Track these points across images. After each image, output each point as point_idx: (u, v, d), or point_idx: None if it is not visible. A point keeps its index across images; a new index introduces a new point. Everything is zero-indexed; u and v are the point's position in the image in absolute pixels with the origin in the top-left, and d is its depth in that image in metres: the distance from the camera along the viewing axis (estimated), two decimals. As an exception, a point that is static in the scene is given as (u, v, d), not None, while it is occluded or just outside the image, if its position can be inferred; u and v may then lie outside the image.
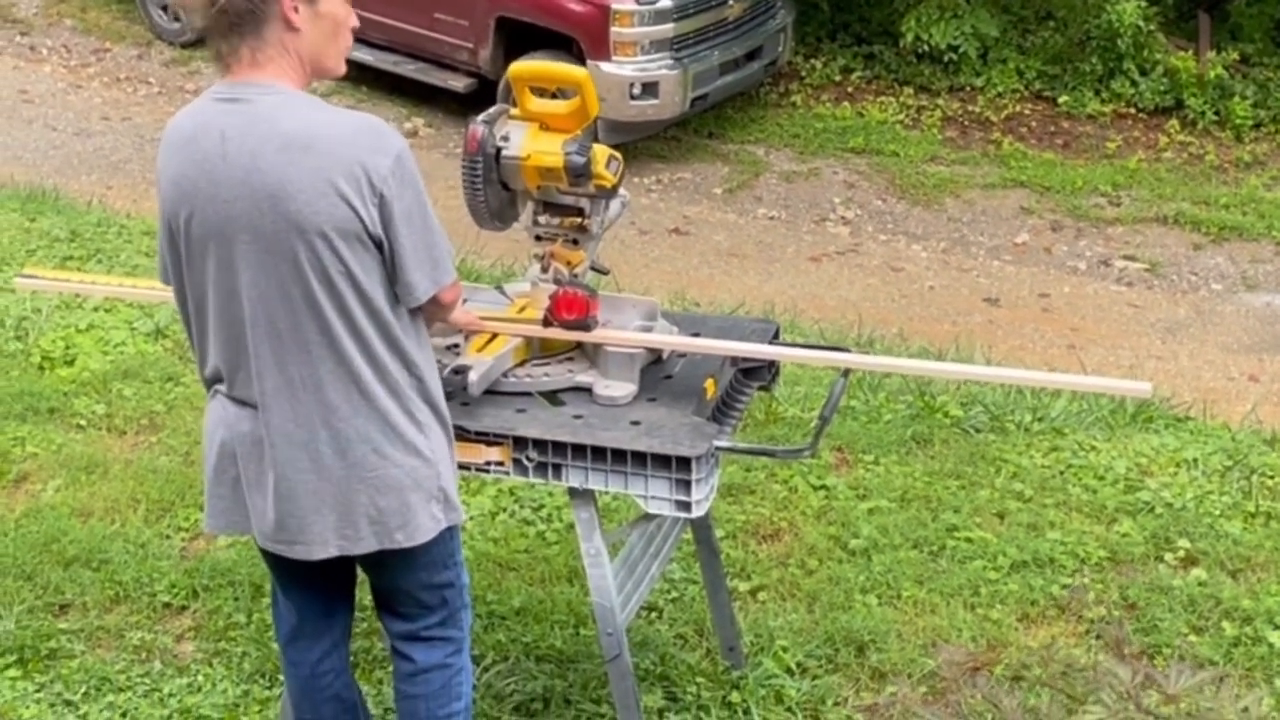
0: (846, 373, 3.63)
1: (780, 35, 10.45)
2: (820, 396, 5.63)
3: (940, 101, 10.83)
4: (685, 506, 3.30)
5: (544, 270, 3.59)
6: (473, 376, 3.41)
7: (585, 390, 3.49)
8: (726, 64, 9.93)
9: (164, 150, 3.00)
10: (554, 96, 3.60)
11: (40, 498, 5.01)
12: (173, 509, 4.94)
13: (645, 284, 7.76)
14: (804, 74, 11.17)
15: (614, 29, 9.40)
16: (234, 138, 2.88)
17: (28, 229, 7.44)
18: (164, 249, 3.07)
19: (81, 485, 5.07)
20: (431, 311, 3.11)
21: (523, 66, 3.56)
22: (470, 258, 7.21)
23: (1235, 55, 10.58)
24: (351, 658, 3.67)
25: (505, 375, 3.48)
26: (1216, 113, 10.45)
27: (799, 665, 4.18)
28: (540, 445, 3.34)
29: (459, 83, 10.20)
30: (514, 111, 3.52)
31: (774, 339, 3.77)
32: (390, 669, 3.92)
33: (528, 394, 3.47)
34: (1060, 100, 10.73)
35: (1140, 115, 10.64)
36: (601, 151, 3.46)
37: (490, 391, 3.43)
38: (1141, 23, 10.33)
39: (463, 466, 3.34)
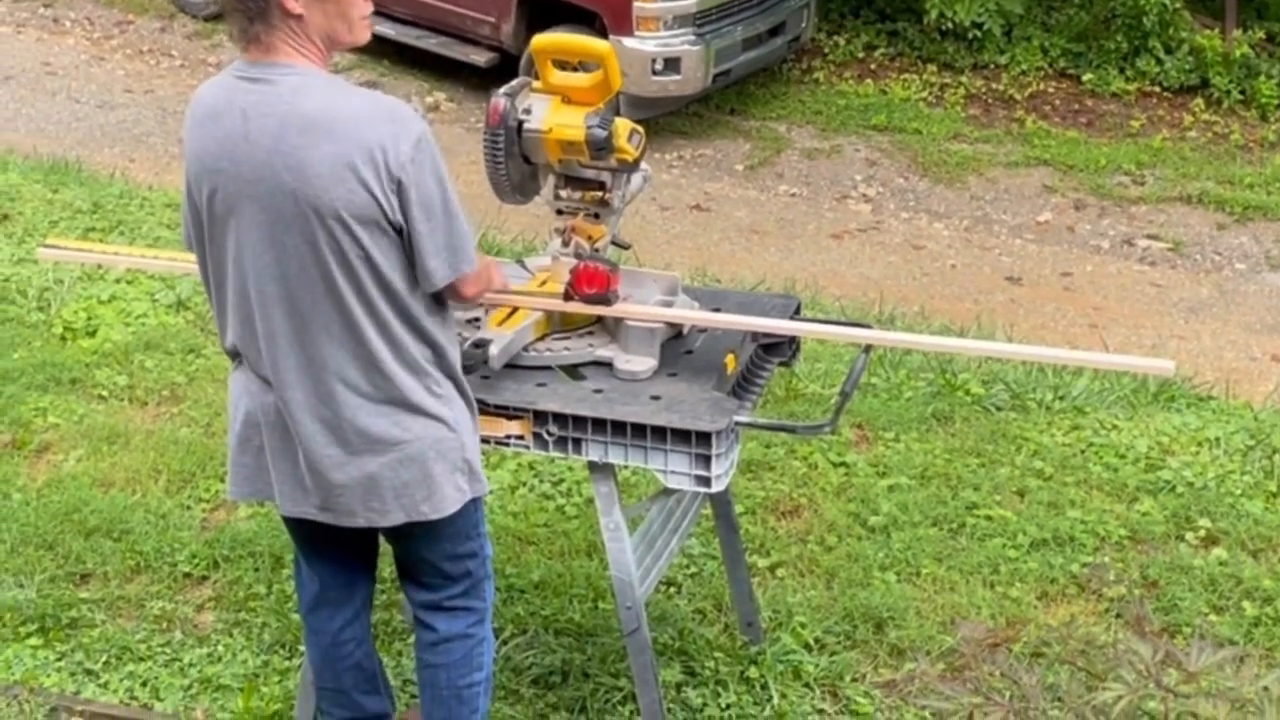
0: (868, 349, 3.62)
1: (803, 11, 10.40)
2: (840, 373, 5.62)
3: (964, 79, 10.77)
4: (705, 482, 3.30)
5: (565, 244, 3.58)
6: (493, 350, 3.41)
7: (606, 365, 3.49)
8: (749, 40, 9.89)
9: (190, 121, 3.01)
10: (576, 70, 3.59)
11: (62, 468, 5.03)
12: (194, 480, 4.95)
13: (666, 260, 7.75)
14: (827, 50, 11.13)
15: (636, 4, 9.37)
16: (255, 118, 2.88)
17: (51, 200, 7.46)
18: (188, 219, 3.09)
19: (103, 456, 5.09)
20: (452, 298, 3.10)
21: (546, 39, 3.55)
22: (491, 232, 7.21)
23: (1261, 34, 10.49)
24: (372, 629, 3.69)
25: (526, 349, 3.48)
26: (1242, 91, 10.37)
27: (817, 641, 4.18)
28: (560, 419, 3.34)
29: (481, 57, 10.17)
30: (536, 84, 3.52)
31: (795, 315, 3.77)
32: (409, 641, 3.95)
33: (548, 368, 3.48)
34: (1084, 78, 10.66)
35: (1165, 94, 10.56)
36: (623, 125, 3.45)
37: (511, 365, 3.43)
38: (1167, 1, 10.25)
39: (483, 440, 3.34)
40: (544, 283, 3.61)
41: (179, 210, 3.09)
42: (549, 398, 3.35)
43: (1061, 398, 5.65)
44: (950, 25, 10.72)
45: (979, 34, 10.79)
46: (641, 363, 3.46)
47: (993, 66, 10.87)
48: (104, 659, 4.14)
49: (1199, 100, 10.39)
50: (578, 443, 3.36)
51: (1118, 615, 4.33)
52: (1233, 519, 4.81)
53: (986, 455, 5.20)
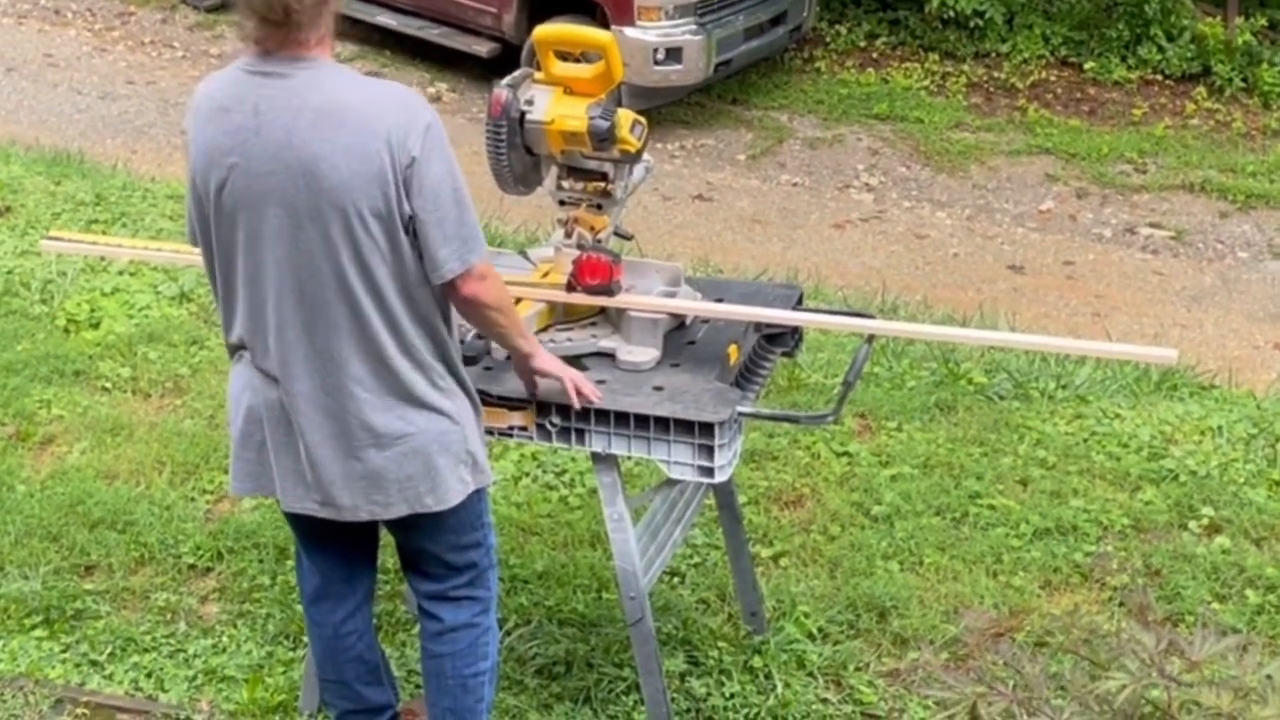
0: (870, 339, 3.63)
1: (805, 0, 10.39)
2: (843, 363, 5.62)
3: (965, 68, 10.76)
4: (708, 472, 3.31)
5: (567, 235, 3.59)
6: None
7: (608, 355, 3.49)
8: (751, 29, 9.88)
9: (194, 118, 3.00)
10: (578, 61, 3.59)
11: (66, 460, 5.04)
12: (198, 471, 4.96)
13: (669, 250, 7.76)
14: (828, 40, 11.12)
15: (638, -6, 9.36)
16: (267, 111, 2.88)
17: (53, 192, 7.46)
18: (192, 213, 3.08)
19: (107, 447, 5.09)
20: (459, 293, 3.03)
21: (548, 30, 3.55)
22: (494, 223, 7.21)
23: (1264, 21, 10.47)
24: (375, 620, 3.69)
25: (529, 340, 3.48)
26: (1244, 79, 10.36)
27: (820, 631, 4.19)
28: (563, 410, 3.35)
29: (482, 47, 10.17)
30: (538, 75, 3.52)
31: (797, 305, 3.77)
32: (414, 632, 3.96)
33: (551, 359, 3.47)
34: (1086, 66, 10.65)
35: (1167, 82, 10.55)
36: (626, 116, 3.45)
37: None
38: (1169, -12, 10.25)
39: (486, 431, 3.34)
40: (547, 274, 3.61)
41: (181, 202, 3.10)
42: (552, 389, 3.35)
43: (1064, 387, 5.65)
44: (952, 13, 10.71)
45: (980, 22, 10.77)
46: (644, 353, 3.47)
47: (994, 55, 10.85)
48: (109, 650, 4.15)
49: (1201, 88, 10.37)
50: (581, 434, 3.37)
51: (1121, 604, 4.34)
52: (1236, 507, 4.81)
53: (989, 444, 5.20)
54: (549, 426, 3.38)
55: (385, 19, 10.51)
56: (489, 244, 3.19)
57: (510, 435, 3.43)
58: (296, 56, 2.91)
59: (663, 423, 3.29)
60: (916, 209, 9.06)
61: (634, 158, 3.51)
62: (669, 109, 9.98)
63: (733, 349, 3.56)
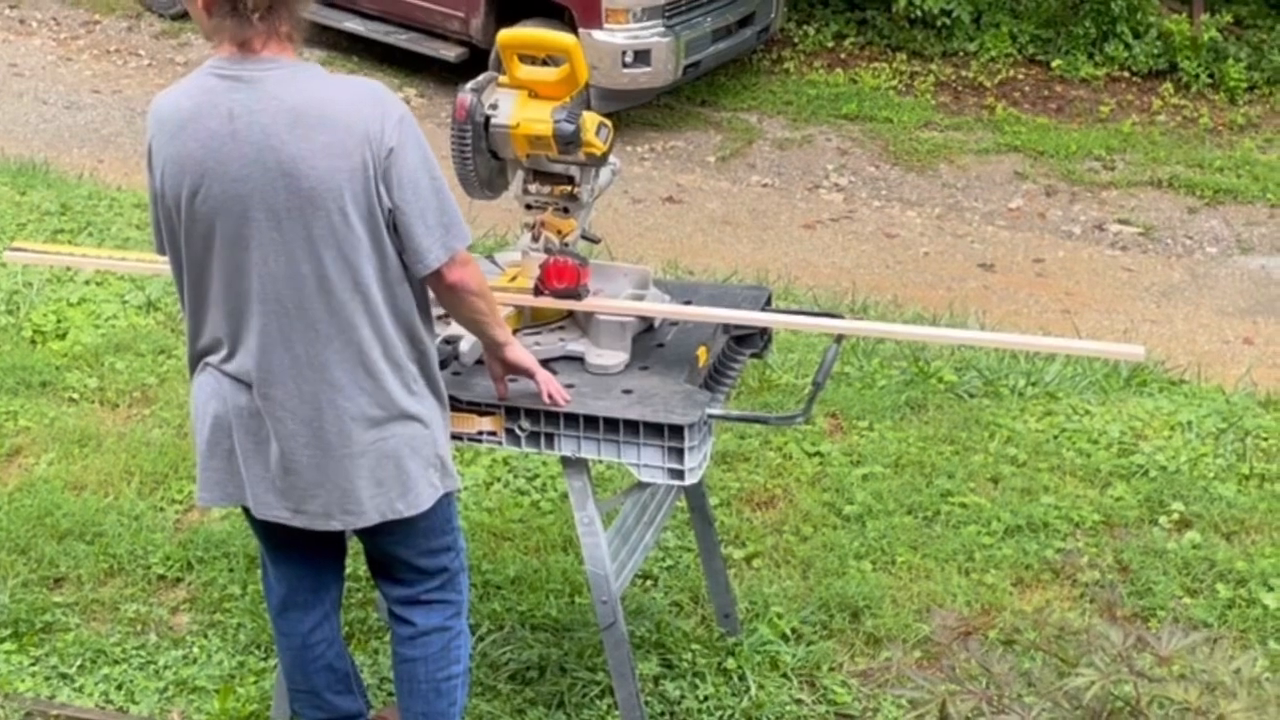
0: (839, 339, 3.62)
1: (773, 1, 10.41)
2: (814, 363, 5.63)
3: (933, 67, 10.79)
4: (678, 475, 3.30)
5: (535, 239, 3.58)
6: (464, 346, 3.41)
7: (577, 359, 3.48)
8: (719, 31, 9.89)
9: (159, 130, 2.96)
10: (544, 64, 3.58)
11: (33, 471, 5.00)
12: (166, 481, 4.93)
13: (639, 253, 7.75)
14: (797, 40, 11.13)
15: (605, -4, 9.36)
16: (242, 115, 2.87)
17: (18, 203, 7.42)
18: (158, 225, 3.06)
19: (75, 459, 5.06)
20: (443, 280, 3.03)
21: (511, 34, 3.54)
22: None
23: (1229, 17, 10.54)
24: (346, 628, 3.68)
25: (496, 344, 3.47)
26: (1210, 75, 10.42)
27: (794, 631, 4.19)
28: (532, 415, 3.34)
29: (450, 52, 10.16)
30: (503, 79, 3.51)
31: (766, 305, 3.77)
32: (385, 639, 3.94)
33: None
34: (1053, 64, 10.69)
35: (1134, 79, 10.60)
36: (591, 119, 3.44)
37: (482, 361, 3.42)
38: (1134, -15, 10.30)
39: (456, 436, 3.34)
40: (514, 278, 3.60)
41: (148, 211, 3.07)
42: (521, 393, 3.34)
43: (1034, 384, 5.67)
44: (919, 13, 10.74)
45: (948, 21, 10.81)
46: (613, 357, 3.46)
47: (962, 54, 10.89)
48: (79, 663, 4.12)
49: (1168, 85, 10.43)
50: (550, 438, 3.36)
51: (1091, 600, 4.35)
52: (1205, 502, 4.83)
53: (960, 442, 5.21)
54: (518, 431, 3.37)
55: (352, 24, 10.48)
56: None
57: (480, 440, 3.42)
58: (266, 58, 2.89)
59: (632, 426, 3.29)
60: (886, 208, 9.08)
61: (600, 161, 3.50)
62: (638, 111, 9.98)
63: (702, 351, 3.55)
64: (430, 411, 3.14)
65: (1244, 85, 10.31)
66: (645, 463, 3.31)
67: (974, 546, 4.59)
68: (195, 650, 4.17)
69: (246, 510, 3.23)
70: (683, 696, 3.93)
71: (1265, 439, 5.30)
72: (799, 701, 3.95)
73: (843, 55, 11.03)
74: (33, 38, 11.32)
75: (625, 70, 9.42)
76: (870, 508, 4.77)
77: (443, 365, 3.35)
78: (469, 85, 3.46)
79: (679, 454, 3.27)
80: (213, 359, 3.10)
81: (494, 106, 3.44)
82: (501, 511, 4.77)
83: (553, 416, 3.32)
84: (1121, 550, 4.58)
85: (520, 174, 3.60)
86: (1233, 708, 2.40)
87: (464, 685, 3.46)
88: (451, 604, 3.40)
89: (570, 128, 3.38)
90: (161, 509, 4.80)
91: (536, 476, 4.96)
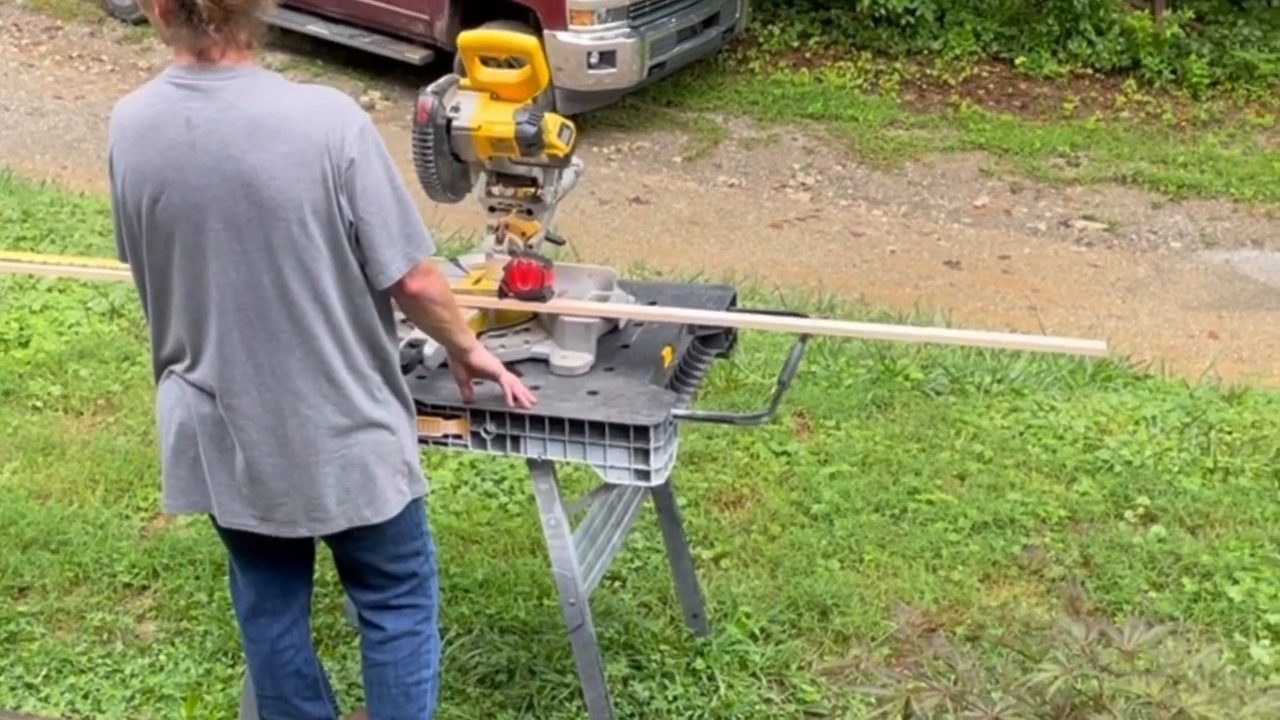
0: (805, 338, 3.63)
1: (737, 1, 10.42)
2: (780, 362, 5.63)
3: (898, 65, 10.83)
4: (644, 475, 3.30)
5: (499, 241, 3.57)
6: (428, 350, 3.41)
7: (542, 361, 3.48)
8: (684, 31, 9.91)
9: (120, 138, 2.95)
10: (506, 66, 3.58)
11: (-2, 481, 4.97)
12: (131, 489, 4.90)
13: (606, 254, 7.75)
14: (762, 40, 11.15)
15: (570, -2, 9.36)
16: (201, 125, 2.85)
17: (-20, 210, 7.37)
18: (120, 233, 3.04)
19: (39, 467, 5.03)
20: (405, 290, 3.01)
21: (472, 36, 3.53)
22: (429, 231, 7.16)
23: (1191, 14, 10.61)
24: (315, 634, 3.66)
25: (461, 347, 3.46)
26: (1173, 72, 10.49)
27: (762, 631, 4.19)
28: (498, 417, 3.33)
29: (415, 55, 10.14)
30: (464, 82, 3.50)
31: (731, 305, 3.77)
32: (354, 644, 3.93)
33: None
34: (1017, 62, 10.74)
35: (1097, 75, 10.66)
36: (553, 120, 3.44)
37: (447, 365, 3.42)
38: (1097, -17, 10.36)
39: (421, 440, 3.32)
40: (478, 280, 3.60)
41: (111, 218, 3.05)
42: (486, 396, 3.34)
43: (999, 381, 5.69)
44: (883, 12, 10.78)
45: (912, 20, 10.85)
46: (578, 358, 3.46)
47: (926, 52, 10.93)
48: (44, 672, 4.09)
49: (1131, 81, 10.49)
50: (516, 440, 3.35)
51: (1058, 596, 4.37)
52: (1170, 496, 4.86)
53: (927, 440, 5.23)
54: (484, 434, 3.36)
55: (316, 28, 10.45)
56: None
57: (445, 444, 3.41)
58: (224, 68, 2.87)
59: (598, 427, 3.28)
60: (853, 207, 9.10)
61: (563, 162, 3.50)
62: (604, 112, 9.98)
63: (667, 351, 3.56)
64: (396, 418, 3.13)
65: (1206, 81, 10.38)
66: (611, 464, 3.31)
67: (941, 543, 4.61)
68: (162, 658, 4.15)
69: (213, 516, 3.22)
70: (652, 697, 3.93)
71: (1229, 433, 5.33)
72: (768, 700, 3.95)
73: (808, 55, 11.05)
74: (-6, 44, 11.26)
75: (590, 71, 9.42)
76: (838, 506, 4.78)
77: (407, 369, 3.34)
78: (430, 88, 3.46)
79: (645, 455, 3.27)
80: (176, 367, 3.08)
81: (456, 109, 3.44)
82: (469, 515, 4.76)
83: (518, 419, 3.32)
84: (1087, 545, 4.60)
85: (483, 176, 3.59)
86: (1194, 700, 2.41)
87: (434, 689, 3.45)
88: (421, 608, 3.40)
89: (532, 129, 3.37)
90: (127, 517, 4.77)
91: (504, 479, 4.95)
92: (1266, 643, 4.16)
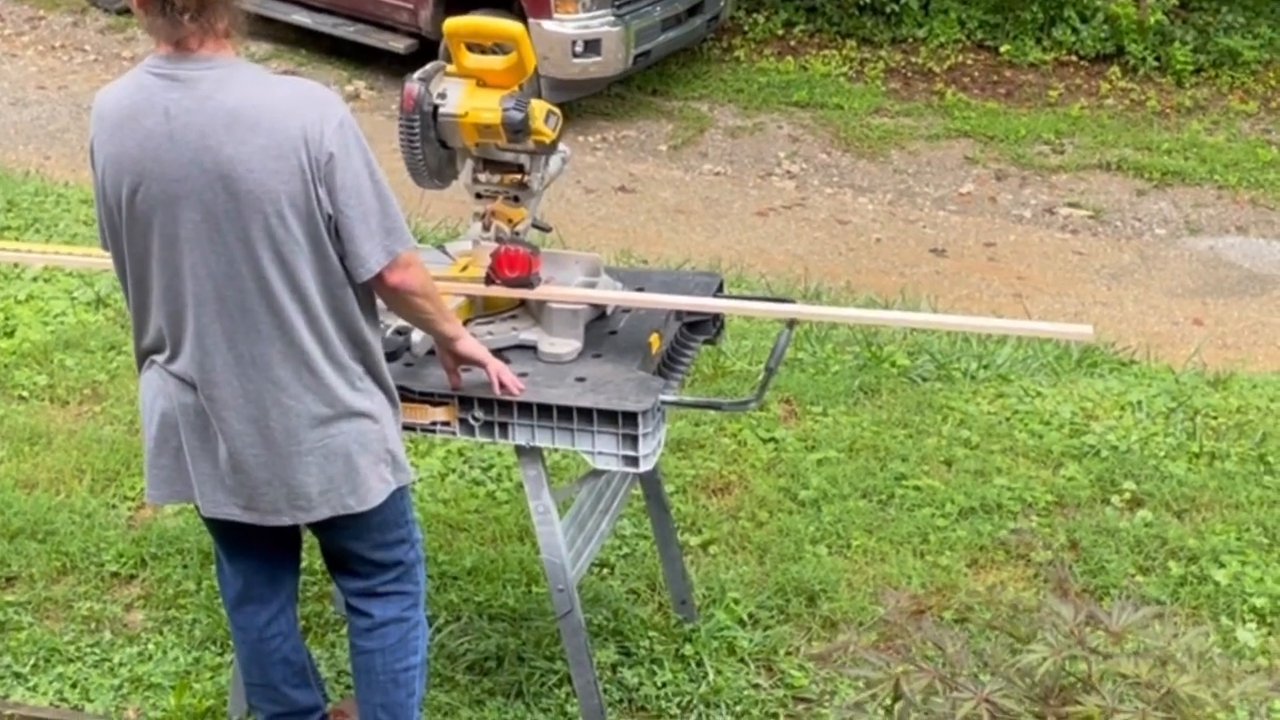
0: (792, 324, 3.63)
1: (722, -10, 10.41)
2: (767, 349, 5.63)
3: (883, 53, 10.83)
4: (632, 461, 3.30)
5: (485, 228, 3.57)
6: (415, 337, 3.41)
7: (530, 348, 3.48)
8: (669, 20, 9.89)
9: (100, 127, 2.94)
10: (492, 52, 3.57)
11: (-16, 471, 4.96)
12: (118, 478, 4.90)
13: (592, 243, 7.74)
14: (746, 28, 11.14)
15: (555, -14, 9.34)
16: (179, 115, 2.84)
17: (-36, 200, 7.35)
18: (102, 221, 3.04)
19: (25, 457, 5.02)
20: (385, 283, 3.00)
21: (458, 22, 3.53)
22: (414, 219, 7.16)
23: (1175, 1, 10.62)
24: (303, 622, 3.66)
25: (448, 334, 3.46)
26: (1157, 59, 10.50)
27: (751, 616, 4.20)
28: (486, 404, 3.33)
29: (399, 44, 10.11)
30: (450, 68, 3.50)
31: (718, 292, 3.77)
32: (342, 632, 3.93)
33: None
34: (1002, 49, 10.75)
35: (1082, 63, 10.67)
36: (540, 107, 3.44)
37: (434, 352, 3.41)
38: (1081, -30, 10.37)
39: (409, 427, 3.33)
40: (465, 268, 3.59)
41: (95, 207, 3.05)
42: (474, 383, 3.34)
43: (986, 367, 5.71)
44: (868, 0, 10.76)
45: (896, 8, 10.85)
46: (566, 345, 3.46)
47: (911, 40, 10.93)
48: (32, 661, 4.09)
49: (1115, 68, 10.50)
50: (504, 427, 3.35)
51: (1045, 580, 4.38)
52: (1156, 481, 4.88)
53: (914, 426, 5.24)
54: (472, 421, 3.36)
55: (300, 17, 10.42)
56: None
57: (433, 431, 3.41)
58: (203, 58, 2.86)
59: (586, 414, 3.29)
60: (838, 195, 9.10)
61: (549, 149, 3.50)
62: (589, 101, 9.97)
63: (654, 338, 3.56)
64: (379, 407, 3.13)
65: (1190, 68, 10.39)
66: (600, 450, 3.31)
67: (928, 529, 4.62)
68: (150, 647, 4.14)
69: (197, 506, 3.21)
70: (641, 683, 3.93)
71: (1214, 418, 5.35)
72: (756, 686, 3.96)
73: (792, 43, 11.05)
74: (-24, 34, 11.21)
75: (575, 60, 9.39)
76: (825, 492, 4.79)
77: (394, 357, 3.34)
78: (416, 75, 3.45)
79: (633, 441, 3.28)
80: (158, 358, 3.08)
81: (442, 96, 3.43)
82: (457, 502, 4.76)
83: (506, 406, 3.32)
84: (1074, 530, 4.62)
85: (470, 163, 3.59)
86: (1182, 681, 2.43)
87: (422, 676, 3.46)
88: (408, 595, 3.40)
89: (519, 116, 3.37)
90: (114, 506, 4.77)
91: (491, 466, 4.95)
92: (1252, 626, 4.18)
